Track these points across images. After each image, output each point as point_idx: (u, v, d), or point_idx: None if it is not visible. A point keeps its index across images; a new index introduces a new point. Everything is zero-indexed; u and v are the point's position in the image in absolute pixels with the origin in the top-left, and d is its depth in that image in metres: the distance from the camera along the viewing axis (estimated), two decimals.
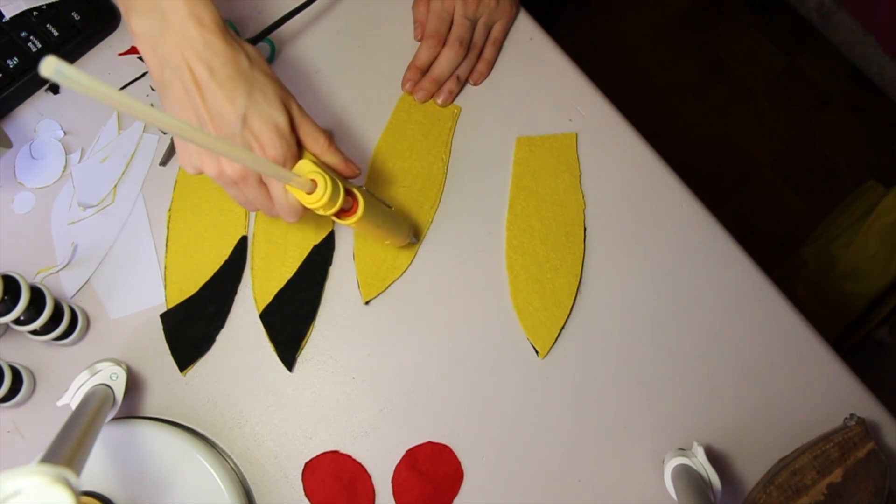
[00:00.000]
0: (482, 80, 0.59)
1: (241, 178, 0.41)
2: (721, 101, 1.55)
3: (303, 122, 0.42)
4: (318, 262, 0.54)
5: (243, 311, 0.53)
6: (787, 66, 1.58)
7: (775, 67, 1.58)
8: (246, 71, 0.39)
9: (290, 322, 0.52)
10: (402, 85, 0.58)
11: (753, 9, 1.60)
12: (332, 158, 0.44)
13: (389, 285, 0.54)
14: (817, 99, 1.56)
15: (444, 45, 0.57)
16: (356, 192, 0.42)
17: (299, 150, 0.42)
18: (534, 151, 0.57)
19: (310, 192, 0.39)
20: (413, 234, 0.54)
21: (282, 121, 0.40)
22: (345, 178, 0.44)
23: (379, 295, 0.54)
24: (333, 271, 0.54)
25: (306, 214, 0.54)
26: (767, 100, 1.55)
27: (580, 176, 0.57)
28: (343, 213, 0.42)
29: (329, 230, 0.55)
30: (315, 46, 0.59)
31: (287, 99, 0.42)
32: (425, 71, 0.58)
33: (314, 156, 0.43)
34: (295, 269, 0.53)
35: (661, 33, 1.59)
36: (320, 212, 0.40)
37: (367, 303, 0.53)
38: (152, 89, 0.57)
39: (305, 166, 0.40)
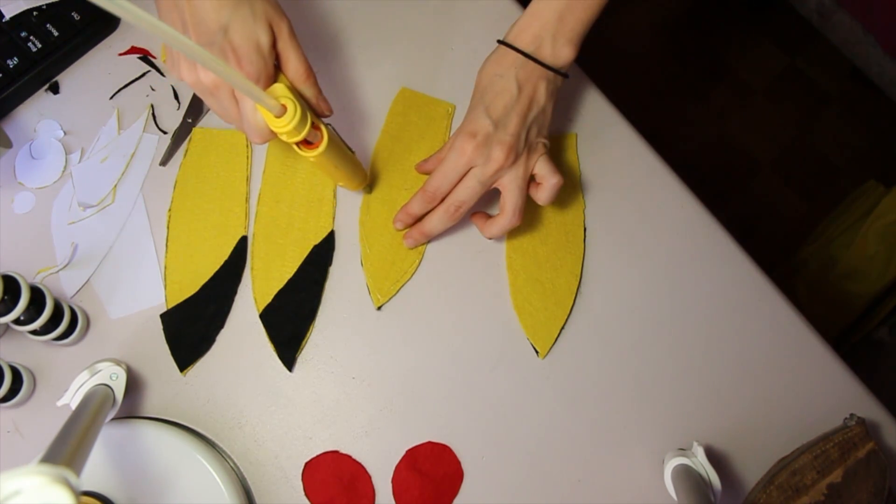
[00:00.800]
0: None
1: (215, 87, 0.41)
2: (721, 101, 1.55)
3: (288, 48, 0.42)
4: (318, 263, 0.54)
5: (243, 311, 0.53)
6: (787, 66, 1.58)
7: (775, 67, 1.58)
8: None
9: (290, 322, 0.52)
10: (394, 223, 0.53)
11: (753, 9, 1.60)
12: (307, 90, 0.44)
13: (400, 289, 0.54)
14: (817, 99, 1.56)
15: (441, 200, 0.50)
16: (322, 127, 0.43)
17: (278, 73, 0.43)
18: None
19: (278, 116, 0.39)
20: (368, 186, 0.55)
21: (264, 40, 0.40)
22: (315, 114, 0.45)
23: (390, 299, 0.54)
24: (334, 271, 0.54)
25: (306, 210, 0.55)
26: (767, 100, 1.55)
27: (580, 176, 0.57)
28: (307, 144, 0.43)
29: (329, 230, 0.55)
30: (315, 47, 0.59)
31: (278, 21, 0.42)
32: (419, 218, 0.52)
33: (290, 83, 0.43)
34: (295, 269, 0.53)
35: (662, 33, 1.59)
36: (284, 137, 0.41)
37: (379, 308, 0.53)
38: (152, 89, 0.57)
39: (279, 90, 0.41)
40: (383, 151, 0.57)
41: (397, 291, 0.54)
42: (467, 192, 0.48)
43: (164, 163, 0.56)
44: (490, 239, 0.55)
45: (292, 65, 0.43)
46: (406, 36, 0.60)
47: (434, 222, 0.51)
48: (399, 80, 0.59)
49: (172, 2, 0.40)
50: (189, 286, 0.53)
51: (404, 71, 0.59)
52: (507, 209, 0.49)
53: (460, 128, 0.49)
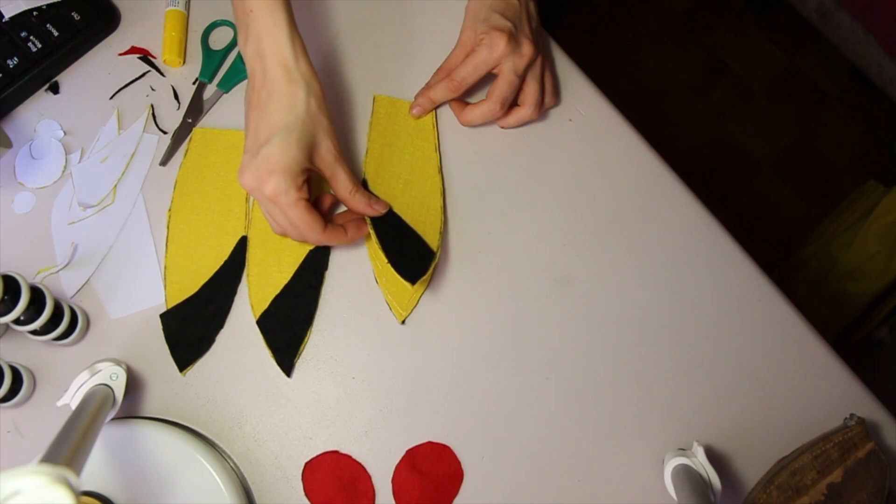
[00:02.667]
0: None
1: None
2: (721, 101, 1.55)
3: (334, 167, 0.48)
4: (314, 267, 0.54)
5: (243, 312, 0.53)
6: (787, 66, 1.58)
7: (775, 67, 1.58)
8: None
9: (287, 328, 0.52)
10: (412, 109, 0.56)
11: (753, 9, 1.60)
12: (357, 202, 0.49)
13: (420, 298, 0.54)
14: (817, 99, 1.56)
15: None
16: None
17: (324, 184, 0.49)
18: None
19: None
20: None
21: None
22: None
23: (412, 312, 0.53)
24: (331, 273, 0.54)
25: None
26: (767, 100, 1.55)
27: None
28: None
29: None
30: (315, 47, 0.59)
31: (322, 141, 0.46)
32: (437, 105, 0.57)
33: (340, 200, 0.50)
34: (291, 275, 0.53)
35: (662, 33, 1.59)
36: None
37: (403, 322, 0.53)
38: (152, 89, 0.57)
39: None
40: (374, 164, 0.56)
41: (417, 302, 0.53)
42: (508, 86, 0.53)
43: (164, 163, 0.56)
44: (467, 125, 0.57)
45: (340, 181, 0.48)
46: (410, 36, 0.60)
47: (476, 115, 0.55)
48: (370, 87, 0.58)
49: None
50: (189, 286, 0.53)
51: (375, 78, 0.59)
52: (529, 102, 0.54)
53: (478, 29, 0.52)
